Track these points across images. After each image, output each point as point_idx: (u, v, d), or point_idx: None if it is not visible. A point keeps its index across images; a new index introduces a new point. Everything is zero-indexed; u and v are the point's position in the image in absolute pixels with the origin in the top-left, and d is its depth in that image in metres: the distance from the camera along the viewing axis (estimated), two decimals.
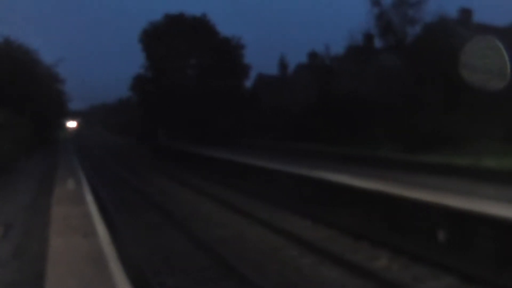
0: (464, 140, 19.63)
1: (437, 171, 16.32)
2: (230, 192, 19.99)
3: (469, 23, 32.02)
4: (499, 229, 9.48)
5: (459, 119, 20.53)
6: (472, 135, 19.54)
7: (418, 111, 21.55)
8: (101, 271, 6.90)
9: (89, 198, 13.55)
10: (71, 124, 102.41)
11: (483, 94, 20.09)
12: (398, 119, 22.50)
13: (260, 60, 54.46)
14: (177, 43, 45.33)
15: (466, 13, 32.85)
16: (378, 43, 28.68)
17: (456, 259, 9.65)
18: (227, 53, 45.62)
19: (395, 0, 24.44)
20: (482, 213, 9.97)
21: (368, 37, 28.94)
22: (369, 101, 26.11)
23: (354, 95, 28.00)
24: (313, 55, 41.37)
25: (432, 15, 24.51)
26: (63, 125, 75.96)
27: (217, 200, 17.81)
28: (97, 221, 10.32)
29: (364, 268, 9.58)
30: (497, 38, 21.14)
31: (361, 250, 11.08)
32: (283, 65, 50.04)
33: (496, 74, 16.36)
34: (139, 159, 40.25)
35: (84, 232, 9.12)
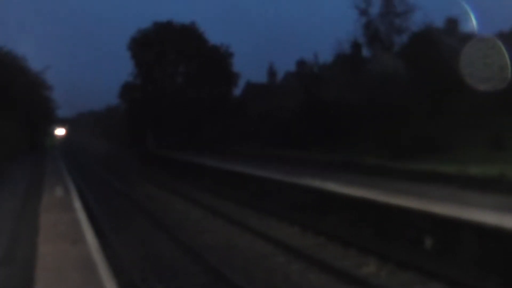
0: (449, 148, 19.86)
1: (423, 179, 16.45)
2: (219, 199, 20.02)
3: (455, 33, 32.44)
4: (484, 235, 9.62)
5: (444, 127, 20.79)
6: (457, 143, 19.77)
7: (405, 118, 21.77)
8: (91, 278, 6.92)
9: (77, 205, 13.54)
10: (60, 131, 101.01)
11: (468, 103, 20.39)
12: (385, 126, 22.71)
13: (249, 68, 54.82)
14: (166, 51, 45.47)
15: (452, 22, 33.26)
16: (365, 51, 29.00)
17: (443, 266, 9.77)
18: (215, 61, 45.74)
19: (382, 10, 24.76)
20: (467, 220, 10.11)
21: (356, 46, 29.22)
22: (357, 109, 26.33)
23: (342, 102, 28.22)
24: (301, 63, 41.61)
25: (418, 25, 24.84)
26: (51, 132, 75.29)
27: (205, 207, 17.82)
28: (85, 228, 10.32)
29: (352, 274, 9.66)
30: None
31: (349, 257, 11.17)
32: (271, 73, 50.35)
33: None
34: (127, 167, 40.12)
35: (73, 239, 9.13)
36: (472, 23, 17.98)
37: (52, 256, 7.95)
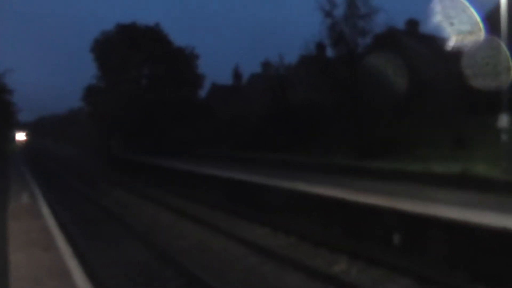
0: (414, 147, 20.35)
1: (390, 177, 16.86)
2: (188, 202, 20.00)
3: (416, 34, 33.34)
4: (450, 231, 9.95)
5: (409, 127, 21.31)
6: (422, 142, 20.29)
7: (371, 119, 22.19)
8: (65, 284, 6.89)
9: (45, 211, 13.35)
10: (20, 136, 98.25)
11: (431, 103, 20.96)
12: (352, 127, 23.09)
13: (214, 69, 54.80)
14: (130, 53, 44.89)
15: (413, 24, 34.21)
16: (330, 53, 29.33)
17: (411, 262, 10.09)
18: (180, 63, 45.49)
19: (346, 12, 25.07)
20: (433, 216, 10.43)
21: (321, 47, 29.56)
22: (323, 110, 26.68)
23: (308, 103, 28.54)
24: (267, 65, 41.81)
25: (381, 27, 25.30)
26: (12, 137, 73.37)
27: (175, 211, 17.79)
28: (56, 235, 10.22)
29: (324, 272, 9.87)
30: (442, 47, 22.10)
31: (321, 256, 11.38)
32: (237, 74, 50.43)
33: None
34: (93, 172, 39.56)
35: (45, 246, 9.03)
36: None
37: (25, 264, 7.86)
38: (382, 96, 22.72)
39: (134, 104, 43.45)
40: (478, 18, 18.17)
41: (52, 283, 6.88)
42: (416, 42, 29.95)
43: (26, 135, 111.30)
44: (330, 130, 24.87)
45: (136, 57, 45.22)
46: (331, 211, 13.70)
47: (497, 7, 16.23)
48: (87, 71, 61.11)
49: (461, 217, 9.96)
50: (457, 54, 19.87)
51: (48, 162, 52.44)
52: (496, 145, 15.55)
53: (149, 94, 44.66)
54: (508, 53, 15.43)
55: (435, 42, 25.70)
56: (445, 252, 9.96)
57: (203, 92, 50.17)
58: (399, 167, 17.72)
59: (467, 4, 18.12)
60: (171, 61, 45.12)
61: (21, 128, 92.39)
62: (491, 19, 18.41)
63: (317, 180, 17.22)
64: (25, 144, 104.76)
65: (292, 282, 9.64)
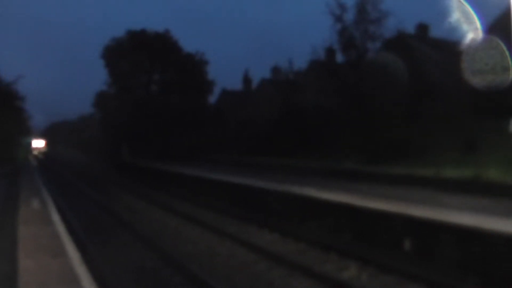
0: (424, 151, 20.20)
1: (400, 182, 16.74)
2: (197, 208, 19.97)
3: (426, 38, 33.23)
4: (462, 237, 9.84)
5: (418, 131, 21.17)
6: (432, 146, 20.13)
7: (380, 123, 22.07)
8: None
9: (56, 218, 13.37)
10: (38, 143, 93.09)
11: (441, 107, 20.80)
12: (361, 131, 22.98)
13: (224, 75, 55.06)
14: (140, 59, 45.26)
15: (423, 28, 34.12)
16: (340, 57, 29.29)
17: (422, 268, 9.95)
18: (190, 69, 45.74)
19: (356, 17, 25.06)
20: (445, 222, 10.32)
21: (330, 52, 29.53)
22: (333, 115, 26.61)
23: (318, 109, 28.49)
24: (276, 70, 41.87)
25: (391, 31, 25.25)
26: (27, 144, 72.70)
27: (184, 217, 17.77)
28: (66, 241, 10.22)
29: (334, 278, 9.78)
30: (452, 52, 22.00)
31: (331, 262, 11.28)
32: (247, 80, 50.53)
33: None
34: (104, 177, 39.67)
35: (54, 252, 9.03)
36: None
37: (34, 270, 7.85)
38: (392, 100, 22.62)
39: (144, 110, 43.68)
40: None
41: None
42: (425, 46, 29.83)
43: (45, 142, 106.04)
44: (339, 134, 24.78)
45: (146, 63, 45.59)
46: (341, 217, 13.61)
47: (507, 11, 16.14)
48: (99, 78, 61.56)
49: (474, 223, 9.84)
50: (466, 56, 19.75)
51: (58, 168, 52.70)
52: (508, 149, 15.38)
53: (158, 100, 44.91)
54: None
55: (445, 45, 25.61)
56: (457, 259, 9.83)
57: (213, 98, 50.41)
58: (410, 172, 17.59)
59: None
60: (180, 67, 45.38)
61: (38, 135, 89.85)
62: (501, 23, 18.27)
63: (326, 185, 17.14)
64: (44, 152, 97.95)
65: None
